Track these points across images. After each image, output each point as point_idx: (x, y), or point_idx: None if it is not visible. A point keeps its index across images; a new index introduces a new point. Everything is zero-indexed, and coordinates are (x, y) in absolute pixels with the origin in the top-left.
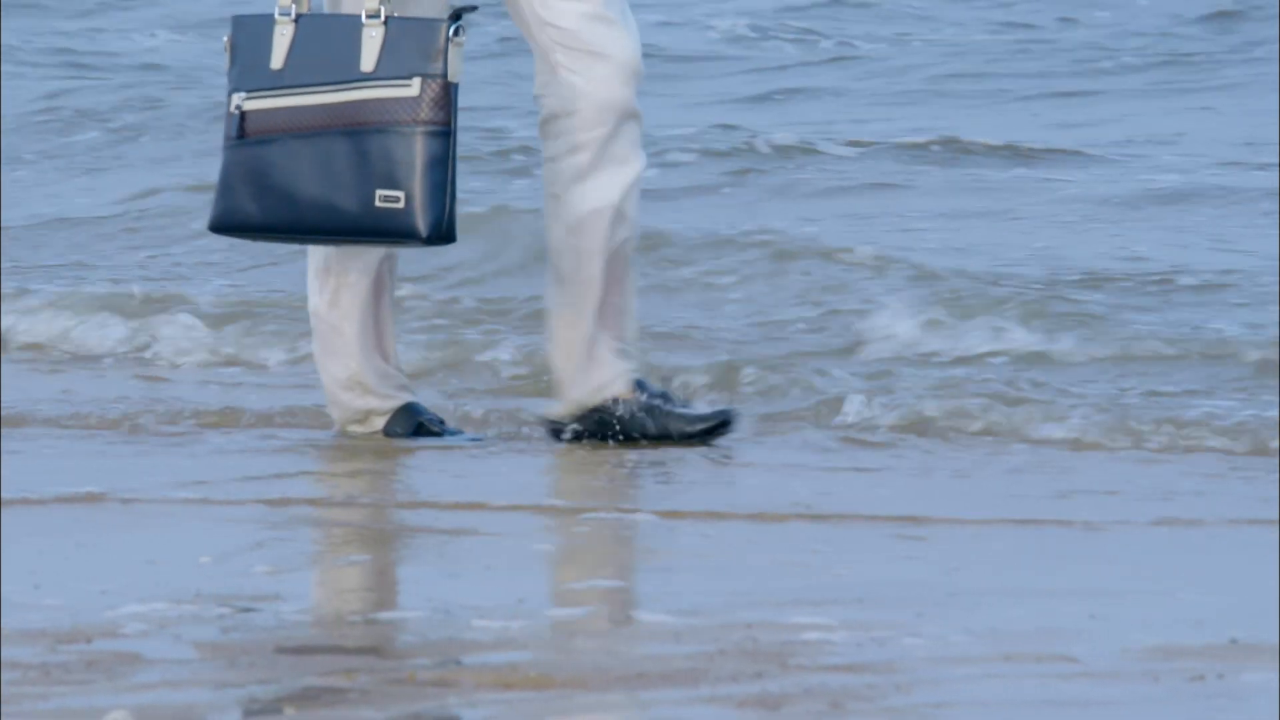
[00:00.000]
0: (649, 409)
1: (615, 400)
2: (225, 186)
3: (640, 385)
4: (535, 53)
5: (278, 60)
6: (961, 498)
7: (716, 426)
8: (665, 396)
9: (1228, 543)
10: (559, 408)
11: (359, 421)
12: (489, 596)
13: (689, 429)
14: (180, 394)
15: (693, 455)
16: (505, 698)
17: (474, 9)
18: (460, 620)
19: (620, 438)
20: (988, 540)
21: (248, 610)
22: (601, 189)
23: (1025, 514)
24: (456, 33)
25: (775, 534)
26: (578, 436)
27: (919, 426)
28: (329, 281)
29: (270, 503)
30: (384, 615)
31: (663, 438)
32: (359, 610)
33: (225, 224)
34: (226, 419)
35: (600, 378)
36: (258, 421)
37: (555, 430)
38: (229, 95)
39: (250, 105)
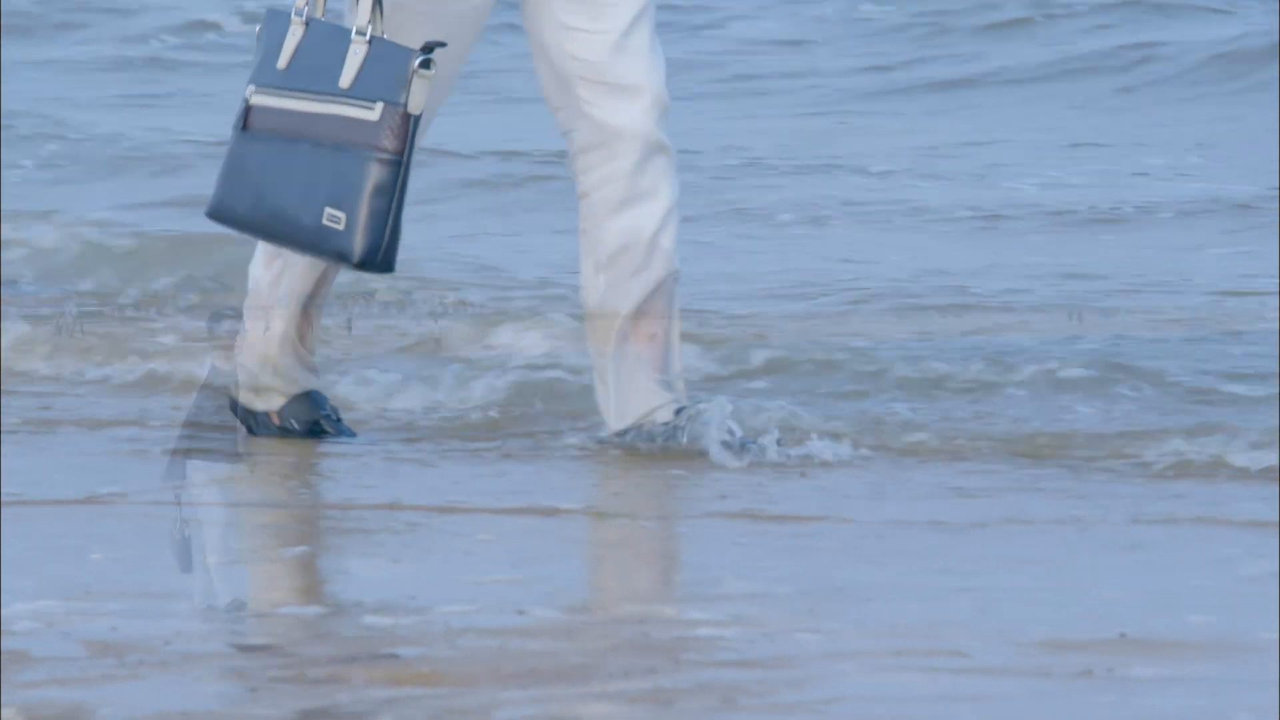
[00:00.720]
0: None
1: (656, 424)
2: (224, 176)
3: (681, 413)
4: (556, 88)
5: (284, 60)
6: (845, 498)
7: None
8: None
9: (1116, 539)
10: (604, 433)
11: (256, 392)
12: (380, 593)
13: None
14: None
15: (617, 453)
16: (396, 695)
17: (444, 45)
18: (352, 617)
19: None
20: (878, 537)
21: (138, 608)
22: (635, 222)
23: (912, 514)
24: (426, 65)
25: (669, 532)
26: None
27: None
28: (275, 263)
29: (163, 502)
30: (276, 612)
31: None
32: (250, 607)
33: (216, 214)
34: (86, 422)
35: (644, 406)
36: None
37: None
38: (247, 85)
39: (256, 100)
